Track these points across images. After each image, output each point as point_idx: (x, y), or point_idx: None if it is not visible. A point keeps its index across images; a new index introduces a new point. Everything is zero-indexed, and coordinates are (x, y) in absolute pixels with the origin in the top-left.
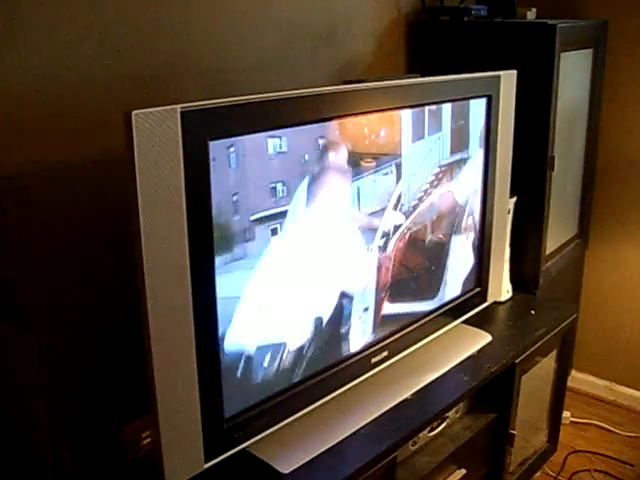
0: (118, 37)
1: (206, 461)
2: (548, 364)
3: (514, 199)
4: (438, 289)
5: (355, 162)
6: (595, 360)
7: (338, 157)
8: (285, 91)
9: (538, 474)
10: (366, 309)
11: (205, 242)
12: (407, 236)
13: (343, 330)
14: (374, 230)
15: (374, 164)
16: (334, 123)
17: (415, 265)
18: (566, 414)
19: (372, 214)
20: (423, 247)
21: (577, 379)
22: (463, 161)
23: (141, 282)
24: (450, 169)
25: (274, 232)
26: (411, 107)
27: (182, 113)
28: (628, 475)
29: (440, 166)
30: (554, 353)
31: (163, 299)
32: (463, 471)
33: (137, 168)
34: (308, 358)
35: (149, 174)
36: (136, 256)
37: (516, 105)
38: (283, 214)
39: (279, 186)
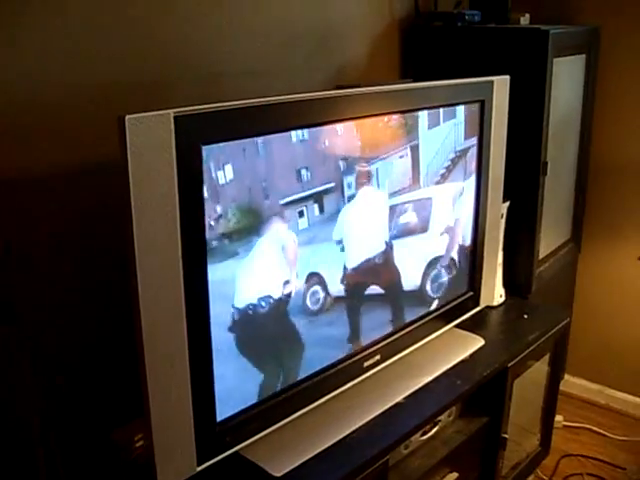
0: (112, 42)
1: (198, 464)
2: (541, 368)
3: (507, 204)
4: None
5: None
6: (588, 364)
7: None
8: (279, 96)
9: (530, 478)
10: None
11: (198, 246)
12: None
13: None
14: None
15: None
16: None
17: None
18: (559, 418)
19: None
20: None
21: (570, 383)
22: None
23: (134, 287)
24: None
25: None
26: (404, 112)
27: (175, 118)
28: (620, 479)
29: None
30: (547, 357)
31: (156, 302)
32: (455, 475)
33: (130, 172)
34: (300, 361)
35: (142, 178)
36: (129, 260)
37: (509, 110)
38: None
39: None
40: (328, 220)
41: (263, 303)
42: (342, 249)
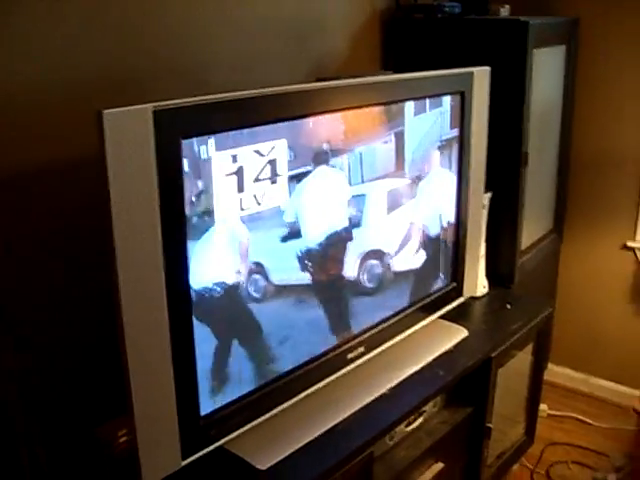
0: (94, 36)
1: (183, 458)
2: (524, 358)
3: (489, 195)
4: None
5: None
6: (572, 353)
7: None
8: (258, 89)
9: (516, 467)
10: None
11: (178, 240)
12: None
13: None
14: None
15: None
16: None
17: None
18: (543, 407)
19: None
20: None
21: (554, 372)
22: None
23: (115, 283)
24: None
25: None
26: (382, 104)
27: (154, 112)
28: (604, 466)
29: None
30: (530, 347)
31: (137, 297)
32: (441, 465)
33: (109, 167)
34: (284, 354)
35: (121, 173)
36: (110, 255)
37: (490, 101)
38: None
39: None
40: (294, 205)
41: (219, 289)
42: (299, 234)
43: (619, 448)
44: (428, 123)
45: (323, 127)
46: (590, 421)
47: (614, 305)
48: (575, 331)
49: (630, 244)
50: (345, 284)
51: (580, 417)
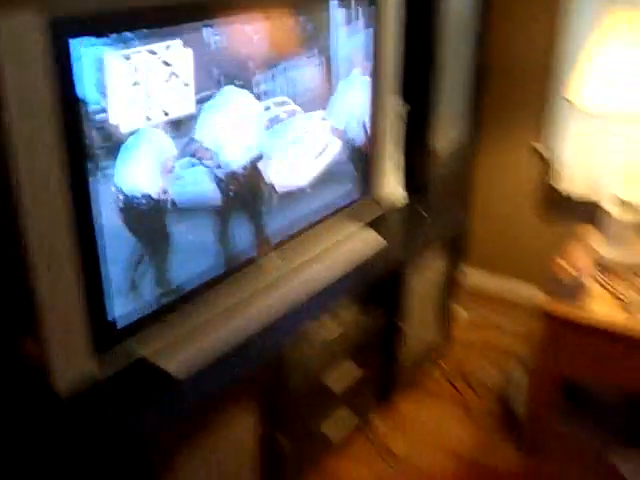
0: None
1: (94, 353)
2: (439, 264)
3: (406, 107)
4: None
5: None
6: (489, 257)
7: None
8: None
9: (432, 369)
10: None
11: (75, 138)
12: None
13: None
14: None
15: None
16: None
17: None
18: (461, 312)
19: None
20: None
21: (471, 277)
22: None
23: (17, 194)
24: None
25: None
26: (286, 12)
27: (46, 15)
28: (517, 368)
29: None
30: (445, 254)
31: (39, 201)
32: (357, 368)
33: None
34: (195, 262)
35: (14, 76)
36: (9, 165)
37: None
38: None
39: None
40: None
41: (144, 200)
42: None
43: (531, 350)
44: (342, 35)
45: (228, 32)
46: (507, 324)
47: (529, 206)
48: (492, 237)
49: (536, 145)
50: (256, 195)
51: (497, 320)
